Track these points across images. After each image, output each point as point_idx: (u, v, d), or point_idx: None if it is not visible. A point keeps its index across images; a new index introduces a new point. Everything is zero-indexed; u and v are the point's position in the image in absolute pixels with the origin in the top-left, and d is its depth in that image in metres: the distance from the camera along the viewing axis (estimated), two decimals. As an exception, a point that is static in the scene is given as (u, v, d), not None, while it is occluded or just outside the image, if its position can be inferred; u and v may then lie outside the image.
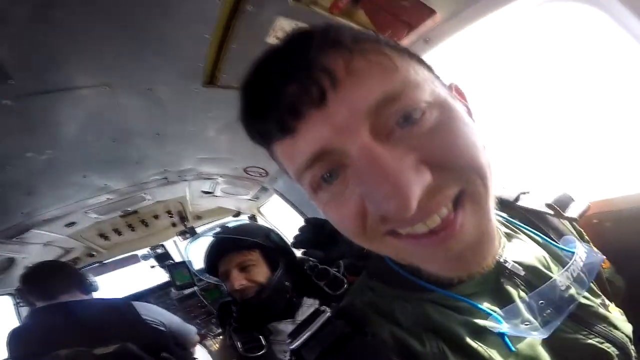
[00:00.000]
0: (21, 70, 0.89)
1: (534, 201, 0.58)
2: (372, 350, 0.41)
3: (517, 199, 0.59)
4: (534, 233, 0.54)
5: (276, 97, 0.34)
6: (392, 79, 0.34)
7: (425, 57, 0.99)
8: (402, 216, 0.32)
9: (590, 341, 0.45)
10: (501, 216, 0.55)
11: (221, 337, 1.90)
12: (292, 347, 0.46)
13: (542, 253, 0.51)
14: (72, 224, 1.85)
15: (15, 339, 1.38)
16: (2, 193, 1.43)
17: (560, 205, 0.55)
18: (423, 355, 0.40)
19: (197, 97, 1.21)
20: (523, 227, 0.55)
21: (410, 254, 0.39)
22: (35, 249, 2.04)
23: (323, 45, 0.34)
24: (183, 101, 1.25)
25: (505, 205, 0.59)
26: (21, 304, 2.29)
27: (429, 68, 0.41)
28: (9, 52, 0.82)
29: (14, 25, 0.76)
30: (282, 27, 0.93)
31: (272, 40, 0.96)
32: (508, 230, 0.53)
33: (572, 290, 0.46)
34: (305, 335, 0.45)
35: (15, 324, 1.95)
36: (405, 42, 0.96)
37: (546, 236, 0.55)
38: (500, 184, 0.61)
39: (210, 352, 2.22)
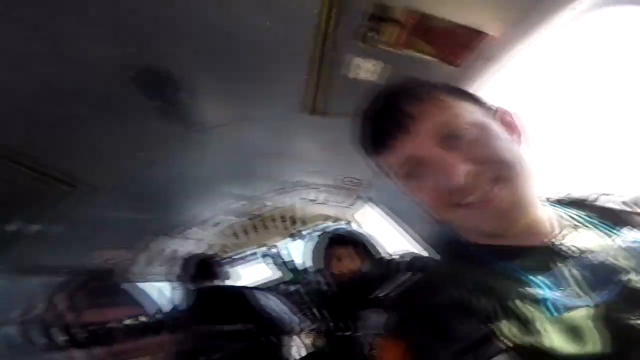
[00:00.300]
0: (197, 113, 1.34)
1: (612, 201, 0.67)
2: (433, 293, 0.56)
3: (596, 199, 0.69)
4: (604, 227, 0.61)
5: (382, 128, 0.61)
6: (445, 114, 0.58)
7: (488, 74, 1.09)
8: (456, 187, 0.52)
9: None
10: (567, 211, 0.66)
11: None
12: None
13: (610, 244, 0.58)
14: (217, 224, 2.47)
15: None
16: (176, 201, 2.04)
17: (636, 204, 0.64)
18: (477, 308, 0.51)
19: (305, 123, 1.53)
20: (593, 222, 0.63)
21: (467, 217, 0.56)
22: (190, 243, 2.74)
23: (406, 96, 0.60)
24: (295, 127, 1.63)
25: (579, 204, 0.69)
26: (177, 288, 3.01)
27: (473, 98, 0.63)
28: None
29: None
30: (358, 65, 1.14)
31: (353, 75, 1.18)
32: (576, 223, 0.62)
33: (632, 276, 0.52)
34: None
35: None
36: (467, 62, 1.08)
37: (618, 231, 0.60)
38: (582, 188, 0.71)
39: (304, 344, 2.50)
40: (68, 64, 0.89)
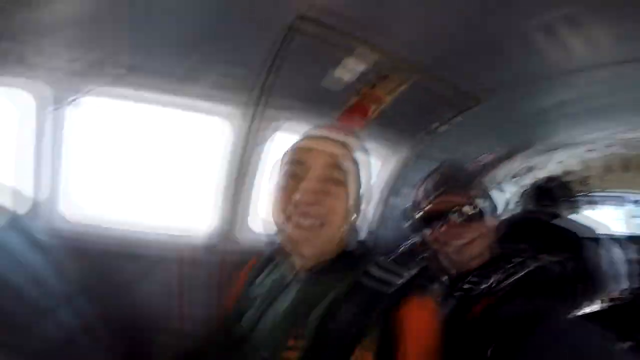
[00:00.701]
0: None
1: None
2: None
3: None
4: None
5: None
6: None
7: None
8: None
9: None
10: None
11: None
12: None
13: None
14: (591, 150, 2.22)
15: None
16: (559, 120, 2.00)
17: None
18: None
19: None
20: None
21: None
22: (552, 164, 2.66)
23: None
24: None
25: None
26: (516, 203, 3.09)
27: None
28: None
29: None
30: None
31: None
32: None
33: None
34: None
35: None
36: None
37: None
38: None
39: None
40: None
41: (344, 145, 0.88)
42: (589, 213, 2.75)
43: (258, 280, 1.00)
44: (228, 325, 0.99)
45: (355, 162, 0.89)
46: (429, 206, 1.20)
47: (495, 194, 2.88)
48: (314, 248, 0.81)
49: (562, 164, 2.63)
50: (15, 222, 0.91)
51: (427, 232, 1.21)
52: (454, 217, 1.12)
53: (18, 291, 0.77)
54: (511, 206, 3.07)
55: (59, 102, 1.30)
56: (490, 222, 1.17)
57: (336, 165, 0.82)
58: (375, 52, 1.30)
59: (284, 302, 0.84)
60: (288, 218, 0.80)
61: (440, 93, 1.59)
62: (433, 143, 1.96)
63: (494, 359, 0.87)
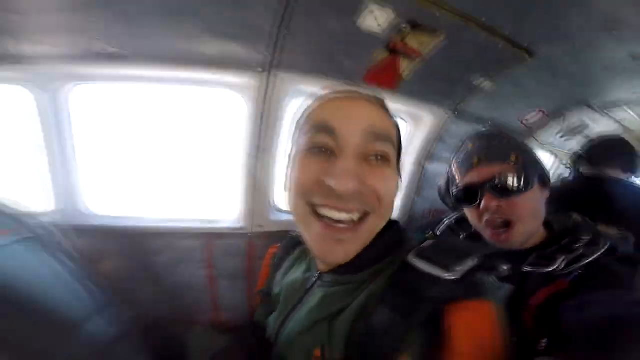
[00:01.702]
0: None
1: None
2: None
3: None
4: None
5: None
6: None
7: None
8: None
9: None
10: None
11: None
12: None
13: None
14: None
15: None
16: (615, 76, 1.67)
17: None
18: None
19: None
20: None
21: None
22: (607, 123, 2.33)
23: None
24: None
25: None
26: (567, 166, 2.81)
27: None
28: None
29: None
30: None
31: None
32: None
33: None
34: None
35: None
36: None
37: None
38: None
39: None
40: None
41: (381, 104, 0.66)
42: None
43: (280, 273, 0.87)
44: (257, 324, 0.88)
45: (395, 124, 0.67)
46: (464, 179, 1.01)
47: (545, 158, 2.70)
48: (350, 252, 0.61)
49: (623, 123, 2.29)
50: (36, 228, 0.84)
51: (467, 209, 1.04)
52: (492, 190, 0.94)
53: (57, 298, 0.75)
54: (562, 170, 2.82)
55: (56, 92, 1.20)
56: (540, 192, 0.98)
57: (378, 134, 0.60)
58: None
59: (306, 309, 0.68)
60: (315, 210, 0.60)
61: (484, 45, 1.33)
62: (475, 102, 1.71)
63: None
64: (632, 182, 1.78)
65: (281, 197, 1.63)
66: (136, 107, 1.47)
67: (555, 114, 2.05)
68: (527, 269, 0.89)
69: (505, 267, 0.64)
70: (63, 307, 0.73)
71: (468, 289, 0.53)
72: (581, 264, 0.84)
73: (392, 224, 0.68)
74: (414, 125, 1.84)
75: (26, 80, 1.19)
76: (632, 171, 1.77)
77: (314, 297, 0.68)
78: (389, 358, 0.52)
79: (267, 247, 0.96)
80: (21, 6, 0.94)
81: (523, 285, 0.87)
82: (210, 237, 1.57)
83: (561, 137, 2.40)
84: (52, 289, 0.74)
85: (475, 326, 0.51)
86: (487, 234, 0.99)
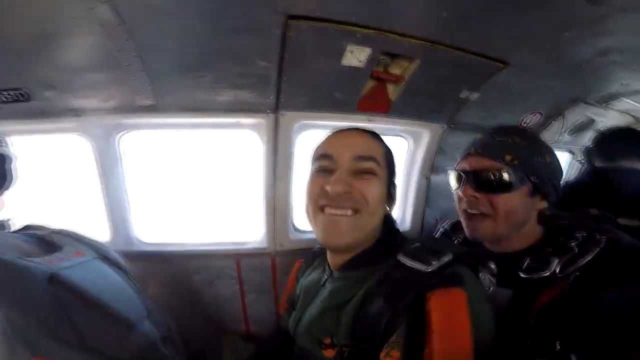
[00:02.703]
0: None
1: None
2: None
3: None
4: None
5: None
6: None
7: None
8: None
9: None
10: None
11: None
12: None
13: None
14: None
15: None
16: (604, 69, 1.73)
17: None
18: None
19: None
20: None
21: None
22: (612, 115, 2.35)
23: None
24: None
25: None
26: (581, 161, 2.66)
27: None
28: None
29: None
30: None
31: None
32: None
33: None
34: None
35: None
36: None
37: None
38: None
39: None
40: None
41: (369, 133, 0.90)
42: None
43: (302, 280, 1.06)
44: (283, 326, 1.08)
45: (384, 149, 0.90)
46: (459, 163, 1.06)
47: (548, 155, 2.64)
48: (347, 237, 0.82)
49: (629, 113, 2.30)
50: (102, 250, 1.09)
51: (454, 192, 1.07)
52: (473, 181, 0.99)
53: (121, 302, 0.94)
54: (574, 166, 2.79)
55: (108, 138, 1.51)
56: (527, 198, 0.97)
57: (363, 156, 0.84)
58: (377, 32, 1.27)
59: (318, 301, 0.88)
60: (321, 209, 0.84)
61: (459, 62, 1.49)
62: (468, 112, 1.85)
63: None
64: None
65: (298, 219, 1.85)
66: (173, 149, 1.83)
67: (553, 113, 2.12)
68: (523, 275, 0.89)
69: (493, 266, 0.84)
70: (124, 310, 0.91)
71: (443, 279, 0.67)
72: (578, 266, 0.83)
73: (391, 229, 0.92)
74: (414, 142, 2.00)
75: (84, 130, 1.52)
76: None
77: (325, 290, 0.89)
78: (383, 337, 0.67)
79: (288, 262, 1.17)
80: (78, 67, 1.23)
81: (525, 287, 0.87)
82: (240, 257, 1.82)
83: (569, 134, 2.43)
84: (116, 296, 0.95)
85: (446, 310, 0.64)
86: (462, 220, 1.06)
